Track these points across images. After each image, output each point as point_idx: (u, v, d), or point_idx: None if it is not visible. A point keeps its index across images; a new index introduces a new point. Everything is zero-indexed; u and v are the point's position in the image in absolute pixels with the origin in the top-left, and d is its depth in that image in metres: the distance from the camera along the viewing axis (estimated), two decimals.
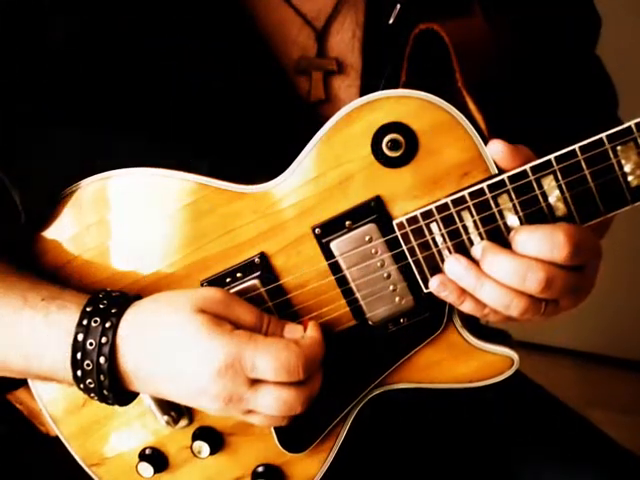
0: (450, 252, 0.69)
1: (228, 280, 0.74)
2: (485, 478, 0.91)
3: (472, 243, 0.69)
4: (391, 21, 0.76)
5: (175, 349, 0.68)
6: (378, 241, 0.71)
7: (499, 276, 0.67)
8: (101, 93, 0.74)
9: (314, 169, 0.71)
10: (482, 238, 0.69)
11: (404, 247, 0.71)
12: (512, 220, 0.68)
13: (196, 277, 0.75)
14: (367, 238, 0.71)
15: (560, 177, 0.66)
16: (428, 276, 0.71)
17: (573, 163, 0.66)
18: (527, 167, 0.66)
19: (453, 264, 0.69)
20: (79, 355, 0.68)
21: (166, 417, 0.77)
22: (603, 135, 0.65)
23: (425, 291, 0.72)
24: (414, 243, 0.70)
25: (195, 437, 0.78)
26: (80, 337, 0.68)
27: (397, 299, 0.73)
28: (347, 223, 0.71)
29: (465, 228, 0.69)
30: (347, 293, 0.73)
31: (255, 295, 0.74)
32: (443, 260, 0.70)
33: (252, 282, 0.74)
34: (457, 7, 0.75)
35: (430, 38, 0.71)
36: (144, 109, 0.74)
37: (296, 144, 0.71)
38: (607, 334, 2.17)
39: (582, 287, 0.70)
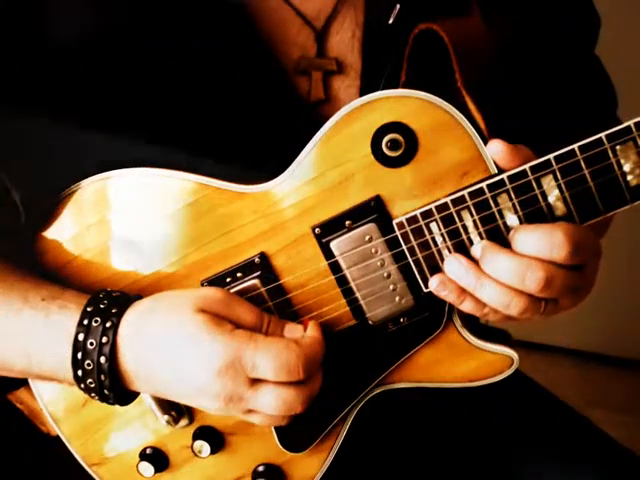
0: (450, 252, 0.70)
1: (228, 280, 0.74)
2: (485, 478, 0.91)
3: (472, 243, 0.69)
4: (391, 21, 0.76)
5: (175, 349, 0.68)
6: (378, 241, 0.71)
7: (499, 275, 0.67)
8: (101, 93, 0.74)
9: (314, 169, 0.71)
10: (482, 238, 0.69)
11: (404, 247, 0.71)
12: (512, 219, 0.68)
13: (196, 277, 0.75)
14: (367, 238, 0.71)
15: (559, 176, 0.66)
16: (428, 275, 0.71)
17: (572, 163, 0.66)
18: (526, 167, 0.67)
19: (453, 264, 0.69)
20: (80, 355, 0.68)
21: (166, 417, 0.77)
22: (602, 135, 0.65)
23: (425, 290, 0.72)
24: (414, 243, 0.70)
25: (195, 436, 0.78)
26: (81, 337, 0.68)
27: (397, 298, 0.73)
28: (347, 223, 0.71)
29: (465, 228, 0.69)
30: (347, 293, 0.73)
31: (255, 295, 0.74)
32: (443, 260, 0.70)
33: (252, 282, 0.74)
34: (456, 7, 0.75)
35: (430, 38, 0.71)
36: (144, 109, 0.74)
37: (296, 144, 0.71)
38: (607, 333, 2.18)
39: (582, 286, 0.70)
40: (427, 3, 0.75)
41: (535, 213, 0.67)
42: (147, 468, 0.80)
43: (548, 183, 0.67)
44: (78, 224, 0.76)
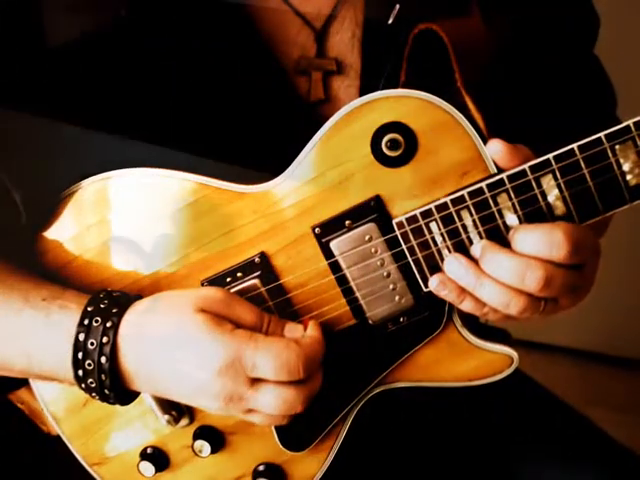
0: (450, 251, 0.70)
1: (228, 280, 0.74)
2: (485, 477, 0.91)
3: (471, 242, 0.69)
4: (390, 21, 0.76)
5: (176, 348, 0.68)
6: (378, 240, 0.71)
7: (498, 275, 0.67)
8: (101, 92, 0.74)
9: (314, 169, 0.71)
10: (481, 237, 0.69)
11: (404, 246, 0.71)
12: (511, 219, 0.68)
13: (196, 277, 0.75)
14: (367, 237, 0.71)
15: (559, 176, 0.66)
16: (428, 275, 0.71)
17: (572, 162, 0.66)
18: (526, 166, 0.67)
19: (453, 263, 0.69)
20: (80, 355, 0.69)
21: (167, 416, 0.77)
22: (602, 134, 0.65)
23: (425, 290, 0.72)
24: (414, 242, 0.70)
25: (196, 436, 0.79)
26: (81, 337, 0.69)
27: (397, 298, 0.73)
28: (347, 222, 0.71)
29: (464, 227, 0.69)
30: (347, 292, 0.73)
31: (255, 295, 0.74)
32: (443, 259, 0.70)
33: (252, 282, 0.74)
34: (456, 7, 0.76)
35: (429, 38, 0.71)
36: (144, 109, 0.74)
37: (296, 144, 0.71)
38: (606, 332, 2.18)
39: (581, 286, 0.70)
40: (426, 3, 0.75)
41: (535, 213, 0.68)
42: (148, 468, 0.80)
43: (547, 183, 0.67)
44: (78, 224, 0.76)
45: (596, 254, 0.70)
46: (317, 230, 0.72)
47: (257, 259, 0.73)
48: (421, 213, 0.70)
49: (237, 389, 0.67)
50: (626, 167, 0.65)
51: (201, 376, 0.67)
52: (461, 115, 0.68)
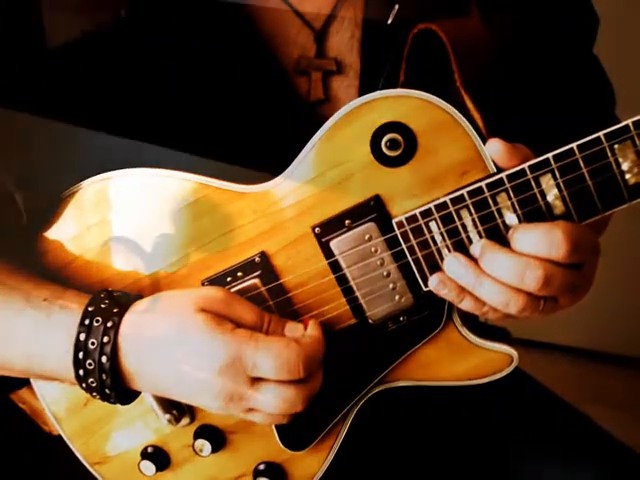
0: (449, 250, 0.70)
1: (229, 279, 0.75)
2: (485, 475, 0.91)
3: (471, 241, 0.69)
4: (390, 21, 0.76)
5: (176, 348, 0.68)
6: (378, 240, 0.72)
7: (498, 274, 0.67)
8: (101, 93, 0.74)
9: (314, 169, 0.71)
10: (481, 236, 0.69)
11: (403, 246, 0.71)
12: (510, 218, 0.68)
13: (197, 276, 0.75)
14: (367, 237, 0.72)
15: (558, 175, 0.66)
16: (427, 274, 0.71)
17: (571, 161, 0.66)
18: (525, 166, 0.67)
19: (452, 262, 0.69)
20: (81, 354, 0.69)
21: (168, 415, 0.77)
22: (601, 133, 0.65)
23: (424, 289, 0.72)
24: (413, 242, 0.71)
25: (197, 435, 0.79)
26: (82, 337, 0.69)
27: (397, 297, 0.73)
28: (347, 222, 0.72)
29: (464, 226, 0.69)
30: (347, 292, 0.74)
31: (256, 294, 0.74)
32: (442, 258, 0.70)
33: (253, 281, 0.74)
34: (455, 7, 0.76)
35: (428, 38, 0.71)
36: (144, 109, 0.74)
37: (296, 144, 0.71)
38: (606, 331, 2.18)
39: (580, 285, 0.70)
40: (426, 3, 0.75)
41: (534, 212, 0.68)
42: (148, 467, 0.80)
43: (547, 182, 0.67)
44: (79, 224, 0.77)
45: (595, 253, 0.70)
46: (317, 230, 0.72)
47: (257, 259, 0.74)
48: (421, 212, 0.70)
49: (237, 388, 0.67)
50: (625, 166, 0.66)
51: (202, 376, 0.67)
52: (460, 115, 0.68)
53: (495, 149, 0.68)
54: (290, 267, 0.74)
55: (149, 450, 0.80)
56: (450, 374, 0.76)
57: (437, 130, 0.68)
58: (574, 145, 0.65)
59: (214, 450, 0.79)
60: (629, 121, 0.64)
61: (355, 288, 0.73)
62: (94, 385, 0.69)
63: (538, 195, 0.67)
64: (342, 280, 0.73)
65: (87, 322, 0.69)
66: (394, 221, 0.71)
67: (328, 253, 0.73)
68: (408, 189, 0.70)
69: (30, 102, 0.74)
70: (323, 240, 0.72)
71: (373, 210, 0.71)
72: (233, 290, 0.74)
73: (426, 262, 0.71)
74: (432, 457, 0.92)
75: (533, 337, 2.12)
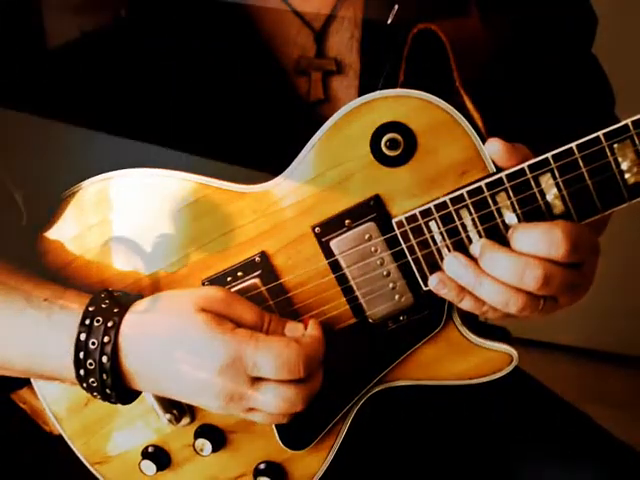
0: (449, 250, 0.70)
1: (229, 279, 0.75)
2: (485, 475, 0.91)
3: (471, 241, 0.69)
4: (389, 21, 0.76)
5: (177, 348, 0.68)
6: (377, 239, 0.72)
7: (498, 274, 0.67)
8: (101, 93, 0.74)
9: (314, 169, 0.71)
10: (480, 236, 0.69)
11: (403, 245, 0.71)
12: (510, 218, 0.68)
13: (197, 276, 0.75)
14: (367, 237, 0.72)
15: (557, 175, 0.66)
16: (427, 274, 0.71)
17: (570, 161, 0.66)
18: (525, 165, 0.67)
19: (452, 262, 0.69)
20: (82, 354, 0.69)
21: (168, 415, 0.77)
22: (600, 133, 0.65)
23: (424, 289, 0.72)
24: (413, 241, 0.71)
25: (197, 435, 0.79)
26: (83, 337, 0.69)
27: (397, 297, 0.73)
28: (347, 222, 0.72)
29: (464, 226, 0.69)
30: (347, 291, 0.74)
31: (256, 294, 0.74)
32: (442, 258, 0.70)
33: (253, 281, 0.74)
34: (454, 7, 0.76)
35: (428, 38, 0.71)
36: (144, 109, 0.74)
37: (296, 144, 0.71)
38: (605, 330, 2.18)
39: (580, 284, 0.70)
40: (425, 3, 0.75)
41: (533, 211, 0.68)
42: (149, 466, 0.80)
43: (546, 181, 0.67)
44: (79, 224, 0.77)
45: (595, 253, 0.70)
46: (317, 229, 0.72)
47: (257, 258, 0.74)
48: (420, 212, 0.70)
49: (238, 388, 0.67)
50: (624, 166, 0.66)
51: (202, 375, 0.67)
52: (460, 115, 0.68)
53: (494, 149, 0.68)
54: (290, 267, 0.74)
55: (150, 450, 0.80)
56: (450, 373, 0.76)
57: (437, 130, 0.69)
58: (573, 145, 0.66)
59: (214, 450, 0.79)
60: (628, 120, 0.64)
61: (355, 288, 0.73)
62: (95, 385, 0.69)
63: (537, 195, 0.67)
64: (342, 280, 0.73)
65: (88, 322, 0.69)
66: (394, 221, 0.71)
67: (328, 253, 0.73)
68: (408, 189, 0.70)
69: (30, 102, 0.74)
70: (323, 240, 0.72)
71: (373, 210, 0.71)
72: (233, 290, 0.74)
73: (426, 262, 0.71)
74: (432, 457, 0.93)
75: (533, 336, 2.12)
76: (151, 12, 0.74)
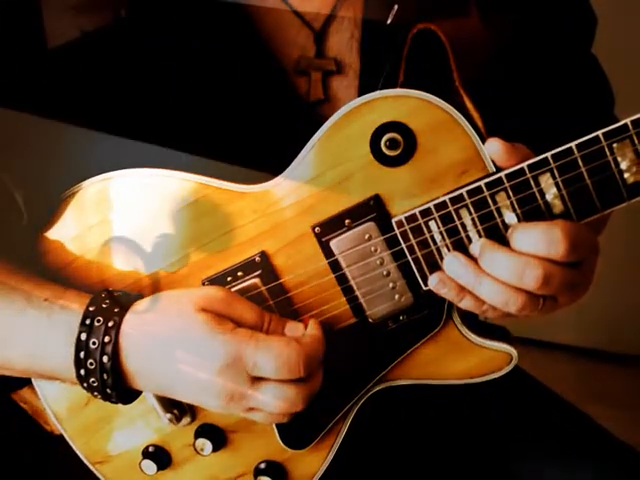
0: (449, 250, 0.70)
1: (229, 279, 0.75)
2: (485, 475, 0.91)
3: (470, 241, 0.69)
4: (389, 21, 0.76)
5: (177, 348, 0.68)
6: (377, 239, 0.72)
7: (497, 273, 0.67)
8: (101, 93, 0.75)
9: (313, 168, 0.72)
10: (480, 236, 0.69)
11: (403, 245, 0.71)
12: (510, 217, 0.68)
13: (197, 276, 0.75)
14: (366, 236, 0.72)
15: (557, 174, 0.66)
16: (427, 274, 0.71)
17: (570, 161, 0.66)
18: (524, 165, 0.67)
19: (452, 262, 0.69)
20: (82, 354, 0.69)
21: (169, 415, 0.77)
22: (599, 132, 0.65)
23: (424, 288, 0.72)
24: (413, 241, 0.71)
25: (198, 434, 0.79)
26: (83, 336, 0.69)
27: (396, 296, 0.73)
28: (346, 222, 0.72)
29: (463, 226, 0.69)
30: (347, 291, 0.74)
31: (256, 294, 0.74)
32: (442, 258, 0.70)
33: (253, 281, 0.74)
34: (454, 7, 0.76)
35: (428, 38, 0.71)
36: (144, 109, 0.74)
37: (296, 144, 0.71)
38: (605, 330, 2.18)
39: (580, 283, 0.70)
40: (425, 3, 0.75)
41: (533, 211, 0.68)
42: (150, 466, 0.80)
43: (546, 181, 0.67)
44: (79, 225, 0.77)
45: (594, 252, 0.70)
46: (317, 229, 0.72)
47: (257, 258, 0.74)
48: (420, 212, 0.70)
49: (238, 388, 0.67)
50: (624, 165, 0.66)
51: (202, 375, 0.67)
52: (460, 114, 0.68)
53: (494, 148, 0.68)
54: (290, 267, 0.74)
55: (150, 449, 0.80)
56: (450, 373, 0.76)
57: (436, 130, 0.69)
58: (573, 144, 0.66)
59: (215, 449, 0.79)
60: (628, 120, 0.64)
61: (355, 287, 0.73)
62: (95, 385, 0.70)
63: (537, 194, 0.67)
64: (342, 279, 0.73)
65: (88, 322, 0.69)
66: (394, 220, 0.71)
67: (328, 252, 0.73)
68: (408, 189, 0.70)
69: (30, 102, 0.74)
70: (323, 240, 0.73)
71: (373, 210, 0.71)
72: (233, 290, 0.74)
73: (426, 261, 0.71)
74: (432, 456, 0.93)
75: (533, 336, 2.12)
76: (151, 12, 0.74)
